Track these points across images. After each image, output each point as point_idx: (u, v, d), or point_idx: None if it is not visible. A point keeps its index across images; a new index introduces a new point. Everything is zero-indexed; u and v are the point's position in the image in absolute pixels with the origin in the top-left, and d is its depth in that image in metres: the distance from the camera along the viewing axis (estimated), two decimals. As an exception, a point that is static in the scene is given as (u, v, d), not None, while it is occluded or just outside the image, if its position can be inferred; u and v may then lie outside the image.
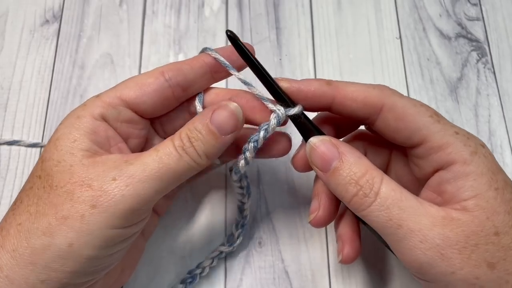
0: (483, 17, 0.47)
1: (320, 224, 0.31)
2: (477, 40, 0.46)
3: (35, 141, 0.42)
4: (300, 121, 0.30)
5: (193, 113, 0.33)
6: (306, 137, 0.30)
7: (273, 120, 0.30)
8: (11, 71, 0.44)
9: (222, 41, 0.46)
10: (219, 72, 0.32)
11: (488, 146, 0.39)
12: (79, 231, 0.25)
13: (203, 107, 0.32)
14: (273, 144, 0.32)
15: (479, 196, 0.26)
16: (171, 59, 0.45)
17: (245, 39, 0.46)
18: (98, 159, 0.27)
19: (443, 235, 0.25)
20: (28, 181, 0.28)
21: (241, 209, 0.37)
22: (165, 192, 0.28)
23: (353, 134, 0.34)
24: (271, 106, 0.30)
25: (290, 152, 0.34)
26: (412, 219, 0.26)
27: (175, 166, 0.27)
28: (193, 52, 0.45)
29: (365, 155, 0.32)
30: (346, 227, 0.32)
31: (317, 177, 0.32)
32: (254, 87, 0.31)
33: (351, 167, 0.27)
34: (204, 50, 0.32)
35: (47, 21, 0.46)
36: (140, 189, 0.26)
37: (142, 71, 0.44)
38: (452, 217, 0.26)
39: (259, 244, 0.39)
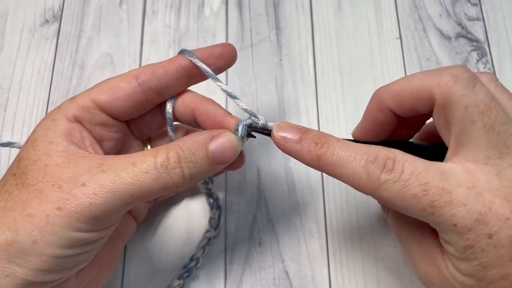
0: (483, 17, 0.47)
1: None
2: (477, 40, 0.46)
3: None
4: None
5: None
6: None
7: (262, 120, 0.30)
8: (11, 71, 0.44)
9: (222, 41, 0.46)
10: (196, 75, 0.32)
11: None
12: (43, 230, 0.25)
13: (174, 112, 0.32)
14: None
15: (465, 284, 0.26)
16: (171, 59, 0.45)
17: (245, 39, 0.46)
18: (72, 159, 0.27)
19: (426, 271, 0.28)
20: (2, 179, 0.28)
21: (208, 194, 0.38)
22: (135, 204, 0.27)
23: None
24: (251, 115, 0.30)
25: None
26: (407, 243, 0.29)
27: (150, 185, 0.26)
28: (193, 52, 0.45)
29: None
30: None
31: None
32: (237, 98, 0.31)
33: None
34: (181, 52, 0.31)
35: (47, 21, 0.46)
36: (108, 200, 0.26)
37: (142, 71, 0.44)
38: (436, 262, 0.27)
39: (259, 244, 0.39)
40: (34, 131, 0.29)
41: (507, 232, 0.24)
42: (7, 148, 0.41)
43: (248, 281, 0.38)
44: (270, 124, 0.30)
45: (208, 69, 0.31)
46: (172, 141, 0.33)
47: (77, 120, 0.29)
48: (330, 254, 0.39)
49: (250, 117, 0.30)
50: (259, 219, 0.40)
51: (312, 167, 0.28)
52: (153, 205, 0.38)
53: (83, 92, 0.30)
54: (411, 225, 0.29)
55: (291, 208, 0.40)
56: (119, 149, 0.33)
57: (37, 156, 0.27)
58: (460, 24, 0.47)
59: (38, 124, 0.29)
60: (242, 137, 0.29)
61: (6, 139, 0.42)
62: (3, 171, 0.40)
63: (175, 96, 0.32)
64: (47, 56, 0.45)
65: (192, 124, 0.33)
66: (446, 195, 0.25)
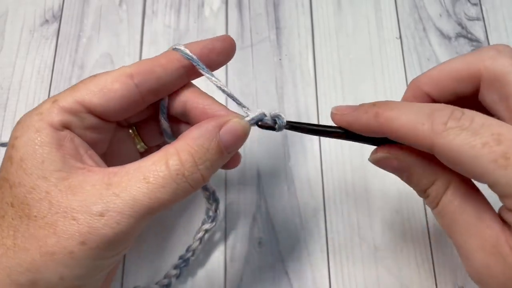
0: (483, 17, 0.47)
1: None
2: (477, 40, 0.46)
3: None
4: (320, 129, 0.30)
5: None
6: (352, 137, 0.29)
7: (268, 115, 0.29)
8: (10, 71, 0.44)
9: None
10: (194, 73, 0.29)
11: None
12: (69, 266, 0.24)
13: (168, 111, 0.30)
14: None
15: None
16: (171, 59, 0.45)
17: (245, 39, 0.46)
18: (74, 181, 0.24)
19: (486, 264, 0.24)
20: None
21: (204, 188, 0.37)
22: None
23: None
24: (245, 109, 0.29)
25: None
26: (461, 235, 0.25)
27: (169, 198, 0.24)
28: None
29: None
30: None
31: None
32: (236, 98, 0.30)
33: (420, 179, 0.26)
34: (175, 49, 0.29)
35: (47, 21, 0.46)
36: (130, 225, 0.24)
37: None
38: (500, 252, 0.23)
39: (259, 244, 0.39)
40: (14, 146, 0.25)
41: None
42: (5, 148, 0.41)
43: (248, 281, 0.38)
44: (278, 117, 0.29)
45: (206, 69, 0.29)
46: (164, 129, 0.31)
47: (65, 127, 0.26)
48: (330, 254, 0.38)
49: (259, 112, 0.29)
50: (259, 219, 0.39)
51: (369, 131, 0.26)
52: None
53: (64, 91, 0.27)
54: (467, 213, 0.25)
55: (291, 208, 0.40)
56: (109, 147, 0.31)
57: (33, 182, 0.24)
58: (460, 24, 0.47)
59: (16, 135, 0.25)
60: (251, 124, 0.28)
61: (6, 139, 0.42)
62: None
63: (166, 97, 0.30)
64: (47, 56, 0.45)
65: (180, 116, 0.31)
66: None
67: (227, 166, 0.31)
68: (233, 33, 0.46)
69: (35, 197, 0.24)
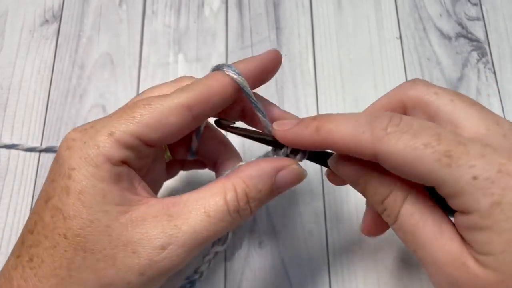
0: (483, 17, 0.47)
1: (370, 233, 0.30)
2: (477, 40, 0.46)
3: (34, 144, 0.42)
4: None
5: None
6: (318, 160, 0.30)
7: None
8: (10, 71, 0.44)
9: (222, 41, 0.46)
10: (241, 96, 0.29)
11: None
12: None
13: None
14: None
15: (494, 256, 0.22)
16: (171, 59, 0.45)
17: (245, 39, 0.46)
18: (134, 214, 0.25)
19: (452, 278, 0.23)
20: (45, 237, 0.24)
21: None
22: None
23: None
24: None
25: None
26: (424, 250, 0.24)
27: (224, 230, 0.25)
28: (193, 52, 0.45)
29: None
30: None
31: None
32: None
33: (376, 189, 0.26)
34: (221, 68, 0.28)
35: (47, 21, 0.46)
36: (188, 257, 0.25)
37: (142, 71, 0.44)
38: (466, 265, 0.23)
39: (259, 245, 0.39)
40: (71, 177, 0.24)
41: None
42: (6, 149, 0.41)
43: (248, 281, 0.38)
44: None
45: (255, 100, 0.29)
46: (191, 147, 0.32)
47: (123, 162, 0.25)
48: (330, 254, 0.38)
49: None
50: (259, 219, 0.39)
51: (312, 146, 0.26)
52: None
53: (119, 120, 0.25)
54: (428, 227, 0.25)
55: (291, 208, 0.40)
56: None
57: (93, 215, 0.24)
58: (460, 24, 0.47)
59: (72, 166, 0.24)
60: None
61: (5, 139, 0.42)
62: (3, 172, 0.41)
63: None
64: (47, 56, 0.45)
65: (234, 118, 0.31)
66: (461, 146, 0.22)
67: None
68: (233, 33, 0.46)
69: (93, 231, 0.24)
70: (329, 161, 0.28)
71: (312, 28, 0.47)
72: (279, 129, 0.28)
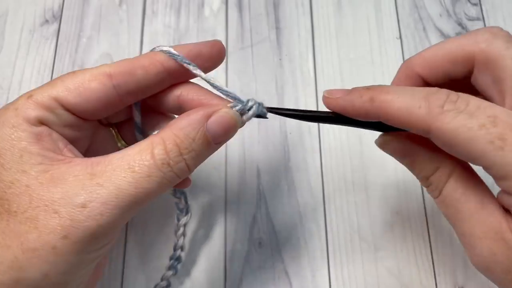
0: (483, 17, 0.47)
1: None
2: (477, 40, 0.46)
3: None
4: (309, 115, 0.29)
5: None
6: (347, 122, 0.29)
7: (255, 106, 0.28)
8: (10, 71, 0.44)
9: (222, 41, 0.45)
10: (178, 76, 0.28)
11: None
12: (53, 262, 0.23)
13: (150, 100, 0.29)
14: None
15: None
16: (171, 59, 0.45)
17: (245, 39, 0.46)
18: (55, 173, 0.24)
19: (491, 250, 0.24)
20: None
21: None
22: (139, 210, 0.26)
23: None
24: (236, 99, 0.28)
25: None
26: (464, 224, 0.25)
27: (155, 188, 0.24)
28: (193, 52, 0.45)
29: None
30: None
31: None
32: (236, 96, 0.28)
33: (423, 165, 0.26)
34: (159, 50, 0.28)
35: (47, 21, 0.46)
36: (115, 216, 0.23)
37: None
38: (504, 238, 0.24)
39: (259, 244, 0.39)
40: None
41: None
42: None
43: (248, 281, 0.38)
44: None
45: (199, 70, 0.28)
46: (137, 141, 0.30)
47: (42, 123, 0.25)
48: (330, 254, 0.38)
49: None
50: (259, 219, 0.39)
51: (364, 115, 0.26)
52: None
53: (41, 86, 0.26)
54: (470, 201, 0.25)
55: (291, 208, 0.40)
56: (91, 142, 0.30)
57: (12, 176, 0.24)
58: (460, 24, 0.47)
59: None
60: (241, 114, 0.27)
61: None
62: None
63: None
64: (47, 56, 0.45)
65: (175, 111, 0.30)
66: None
67: (177, 185, 0.31)
68: (233, 33, 0.46)
69: (15, 192, 0.23)
70: (377, 139, 0.28)
71: (312, 28, 0.47)
72: (330, 96, 0.27)
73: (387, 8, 0.47)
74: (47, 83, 0.26)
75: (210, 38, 0.46)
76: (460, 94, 0.24)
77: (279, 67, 0.45)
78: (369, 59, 0.45)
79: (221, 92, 0.29)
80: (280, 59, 0.45)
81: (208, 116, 0.26)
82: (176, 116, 0.29)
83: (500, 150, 0.22)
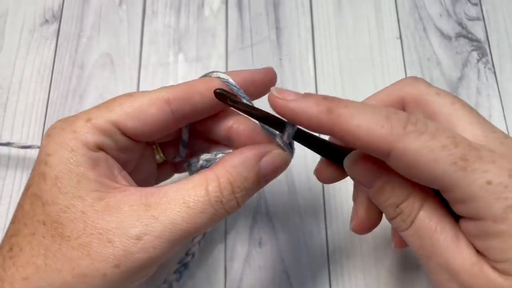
0: (483, 17, 0.47)
1: (363, 230, 0.28)
2: (477, 40, 0.46)
3: (29, 143, 0.41)
4: (306, 136, 0.28)
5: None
6: (321, 152, 0.28)
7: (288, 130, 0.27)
8: (10, 71, 0.44)
9: (221, 41, 0.46)
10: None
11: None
12: (101, 287, 0.23)
13: (199, 128, 0.30)
14: None
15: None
16: (171, 59, 0.45)
17: (245, 39, 0.46)
18: (111, 201, 0.24)
19: (470, 284, 0.23)
20: (25, 224, 0.24)
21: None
22: None
23: None
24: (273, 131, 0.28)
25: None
26: (440, 256, 0.23)
27: (205, 224, 0.24)
28: (193, 53, 0.45)
29: None
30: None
31: (355, 183, 0.29)
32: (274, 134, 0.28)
33: (394, 191, 0.25)
34: (210, 75, 0.28)
35: (47, 21, 0.46)
36: (166, 249, 0.24)
37: (142, 71, 0.44)
38: (484, 272, 0.22)
39: (259, 244, 0.39)
40: (47, 163, 0.24)
41: None
42: (6, 147, 0.41)
43: (248, 281, 0.38)
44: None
45: (249, 100, 0.27)
46: (181, 155, 0.31)
47: (99, 147, 0.25)
48: (330, 254, 0.38)
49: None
50: (259, 219, 0.39)
51: (317, 126, 0.24)
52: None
53: (98, 108, 0.26)
54: (446, 232, 0.24)
55: (291, 208, 0.40)
56: (137, 164, 0.30)
57: (68, 201, 0.24)
58: (460, 24, 0.47)
59: (48, 152, 0.24)
60: (290, 151, 0.27)
61: (5, 139, 0.42)
62: (3, 171, 0.41)
63: None
64: (47, 56, 0.45)
65: (223, 141, 0.30)
66: (474, 151, 0.22)
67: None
68: (233, 33, 0.46)
69: (70, 217, 0.23)
70: (347, 158, 0.26)
71: (312, 28, 0.47)
72: (279, 97, 0.24)
73: (387, 8, 0.47)
74: (104, 105, 0.26)
75: (210, 38, 0.46)
76: (418, 116, 0.23)
77: (279, 67, 0.45)
78: (369, 59, 0.45)
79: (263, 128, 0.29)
80: (280, 59, 0.45)
81: (261, 156, 0.26)
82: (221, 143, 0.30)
83: (462, 171, 0.22)
